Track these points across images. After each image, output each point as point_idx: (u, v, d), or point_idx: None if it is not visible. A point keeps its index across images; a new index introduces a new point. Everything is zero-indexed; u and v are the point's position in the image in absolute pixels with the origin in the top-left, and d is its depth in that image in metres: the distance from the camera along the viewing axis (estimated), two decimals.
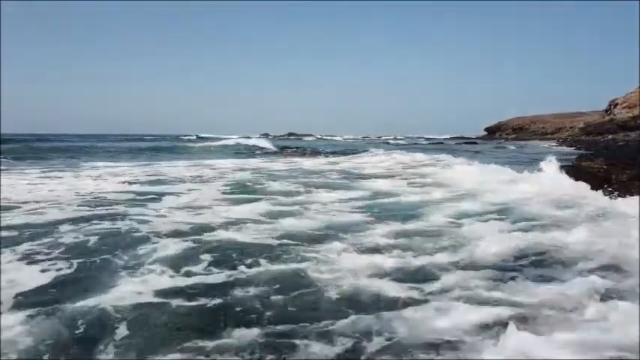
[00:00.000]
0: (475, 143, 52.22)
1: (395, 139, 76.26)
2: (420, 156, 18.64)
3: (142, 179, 10.31)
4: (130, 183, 9.25)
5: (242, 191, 7.98)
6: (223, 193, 7.78)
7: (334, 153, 23.62)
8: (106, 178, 10.32)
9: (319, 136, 75.38)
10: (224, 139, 40.51)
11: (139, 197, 7.29)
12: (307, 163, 15.52)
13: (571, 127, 70.11)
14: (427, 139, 71.03)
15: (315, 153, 23.70)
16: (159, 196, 7.30)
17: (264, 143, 31.21)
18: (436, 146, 36.22)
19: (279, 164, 15.10)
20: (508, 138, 71.73)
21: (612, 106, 56.01)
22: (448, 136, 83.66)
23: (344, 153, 23.77)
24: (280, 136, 73.27)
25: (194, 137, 59.63)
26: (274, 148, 27.50)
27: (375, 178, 10.11)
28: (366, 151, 23.28)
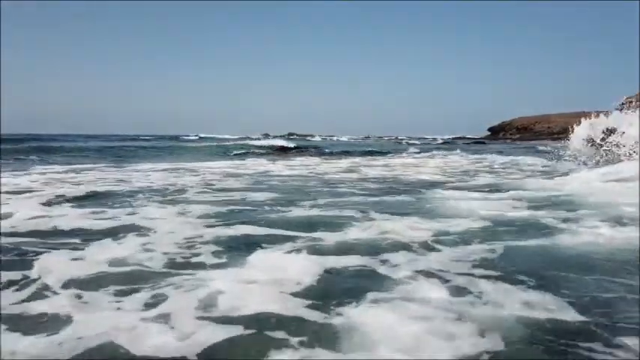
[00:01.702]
0: (484, 143, 49.26)
1: (397, 138, 73.02)
2: (456, 158, 15.30)
3: (89, 189, 6.82)
4: (54, 204, 5.73)
5: (239, 221, 4.51)
6: (206, 226, 4.30)
7: (347, 153, 20.16)
8: (29, 192, 6.78)
9: (322, 137, 71.63)
10: (227, 139, 36.94)
11: (40, 241, 3.79)
12: (321, 167, 12.03)
13: None
14: (431, 139, 67.80)
15: (322, 154, 20.21)
16: (81, 241, 3.81)
17: (282, 143, 26.20)
18: (449, 146, 32.84)
19: (283, 167, 11.62)
20: (513, 138, 69.10)
21: (626, 104, 53.84)
22: (450, 137, 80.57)
23: (355, 154, 20.33)
24: (281, 136, 69.76)
25: (196, 137, 56.39)
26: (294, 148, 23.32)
27: (439, 188, 6.66)
28: (389, 152, 19.82)
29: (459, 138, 75.71)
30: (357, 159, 15.98)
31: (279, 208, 5.22)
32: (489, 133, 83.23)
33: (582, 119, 11.13)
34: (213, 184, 7.66)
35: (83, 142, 34.38)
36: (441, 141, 51.32)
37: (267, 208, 5.26)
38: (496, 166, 11.75)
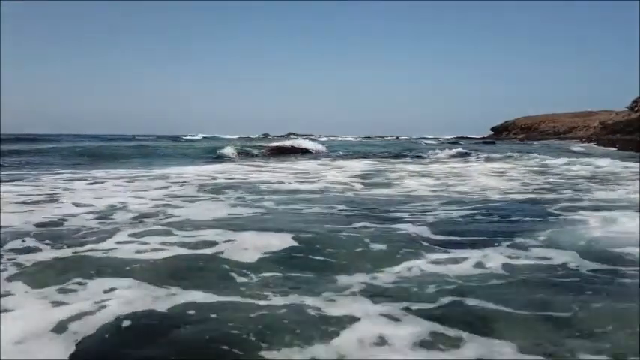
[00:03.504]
0: (493, 143, 46.30)
1: (397, 138, 69.93)
2: (501, 164, 12.35)
3: None
4: None
5: None
6: None
7: (359, 156, 17.15)
8: None
9: (321, 136, 68.13)
10: (229, 139, 33.88)
11: None
12: (338, 176, 8.99)
13: (585, 127, 66.23)
14: (442, 139, 64.72)
15: (329, 156, 17.20)
16: None
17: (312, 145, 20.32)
18: (459, 146, 29.80)
19: (286, 176, 8.60)
20: (518, 138, 66.53)
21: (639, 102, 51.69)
22: (452, 137, 77.62)
23: (370, 156, 17.32)
24: (280, 136, 66.54)
25: (199, 137, 53.46)
26: (326, 151, 19.54)
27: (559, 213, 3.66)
28: (408, 155, 16.77)
29: (462, 138, 72.71)
30: (376, 163, 12.95)
31: (302, 296, 2.20)
32: (492, 133, 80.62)
33: None
34: (175, 211, 4.62)
35: (71, 143, 31.24)
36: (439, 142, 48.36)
37: (275, 298, 2.23)
38: (571, 173, 8.75)
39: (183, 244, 3.18)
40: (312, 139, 26.76)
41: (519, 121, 77.70)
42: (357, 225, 3.85)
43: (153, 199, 5.57)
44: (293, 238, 3.24)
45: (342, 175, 9.08)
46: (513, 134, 73.49)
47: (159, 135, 71.25)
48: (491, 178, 8.19)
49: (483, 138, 68.59)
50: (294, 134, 67.68)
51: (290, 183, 7.45)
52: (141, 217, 4.31)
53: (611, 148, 25.70)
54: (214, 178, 8.02)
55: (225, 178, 8.17)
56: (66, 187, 7.36)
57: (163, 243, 3.20)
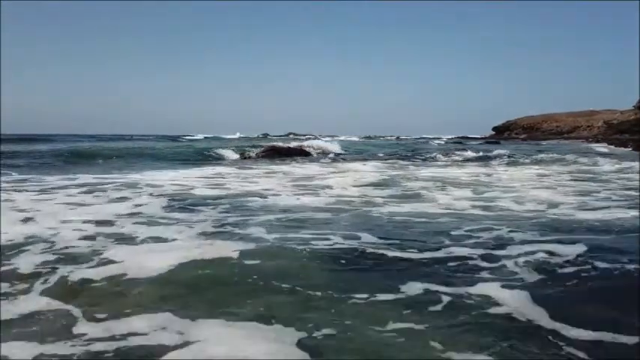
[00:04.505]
0: (498, 143, 44.72)
1: (398, 138, 68.37)
2: (536, 169, 10.79)
3: None
4: None
5: None
6: None
7: (364, 156, 15.53)
8: None
9: (328, 137, 66.17)
10: (230, 139, 32.31)
11: None
12: (347, 183, 7.34)
13: (588, 127, 65.03)
14: (436, 139, 63.07)
15: (328, 155, 15.57)
16: None
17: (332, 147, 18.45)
18: (464, 147, 28.27)
19: (285, 184, 6.99)
20: (520, 137, 65.17)
21: None
22: (454, 136, 75.98)
23: (375, 157, 15.73)
24: (280, 136, 64.67)
25: (200, 137, 51.92)
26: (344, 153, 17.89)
27: None
28: (415, 155, 15.17)
29: (464, 138, 71.06)
30: (385, 165, 11.33)
31: None
32: (494, 132, 79.18)
33: None
34: (115, 250, 3.00)
35: (64, 144, 29.45)
36: (443, 142, 46.92)
37: None
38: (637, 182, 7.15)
39: None
40: (316, 138, 25.09)
41: (521, 120, 76.28)
42: (408, 287, 2.24)
43: (98, 223, 3.95)
44: (299, 343, 1.61)
45: (352, 182, 7.46)
46: (515, 134, 72.06)
47: (160, 135, 69.31)
48: (539, 187, 6.57)
49: (485, 138, 66.94)
50: (294, 134, 65.84)
51: (288, 195, 5.83)
52: (52, 265, 2.70)
53: (624, 148, 24.45)
54: (193, 187, 6.37)
55: (208, 186, 6.54)
56: (3, 198, 5.76)
57: (41, 355, 1.58)
